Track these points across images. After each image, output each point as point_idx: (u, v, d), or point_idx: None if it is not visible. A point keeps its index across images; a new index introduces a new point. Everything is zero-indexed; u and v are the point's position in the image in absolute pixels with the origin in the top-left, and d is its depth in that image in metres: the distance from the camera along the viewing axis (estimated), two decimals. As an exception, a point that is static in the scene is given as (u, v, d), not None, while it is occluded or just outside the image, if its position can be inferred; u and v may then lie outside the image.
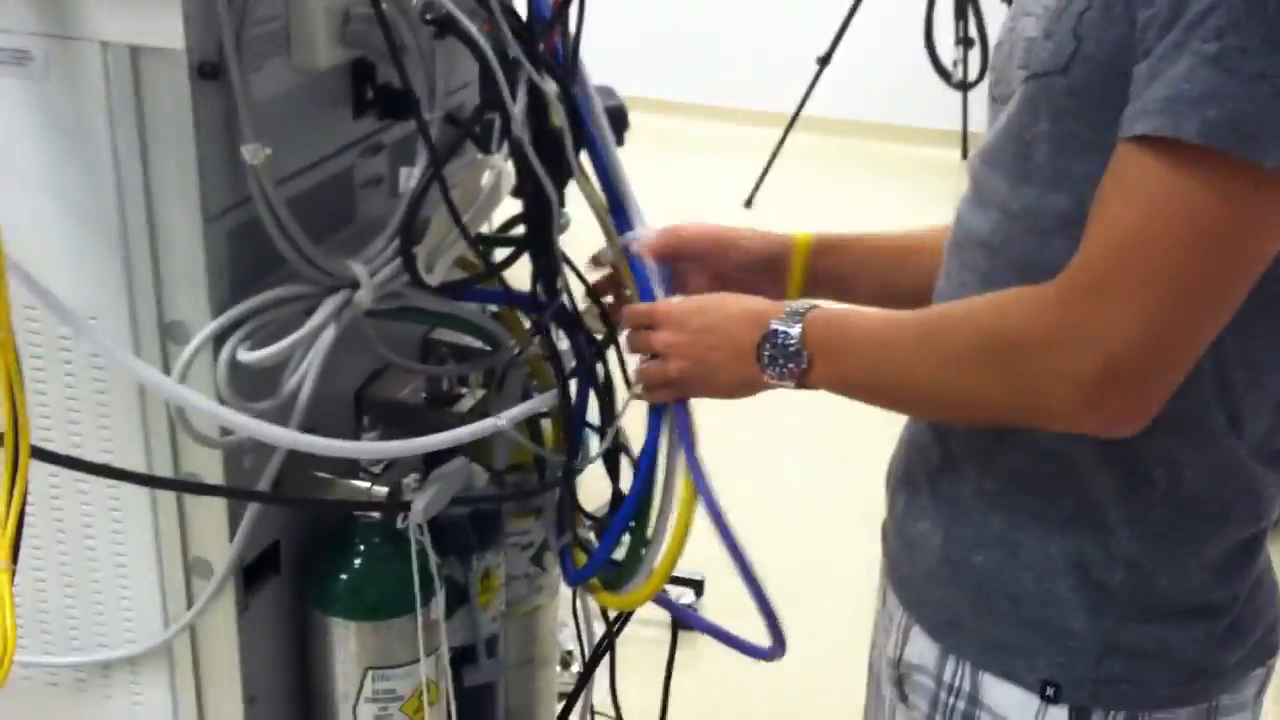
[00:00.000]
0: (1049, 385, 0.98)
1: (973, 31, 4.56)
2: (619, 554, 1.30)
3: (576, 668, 2.05)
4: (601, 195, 1.29)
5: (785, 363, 1.10)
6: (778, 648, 1.26)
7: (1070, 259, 0.98)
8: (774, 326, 1.10)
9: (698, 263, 1.31)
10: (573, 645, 2.01)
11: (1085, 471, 1.07)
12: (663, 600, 1.37)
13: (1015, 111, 1.05)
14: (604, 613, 1.48)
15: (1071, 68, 0.98)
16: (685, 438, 1.22)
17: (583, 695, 1.56)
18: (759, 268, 1.32)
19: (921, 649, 1.18)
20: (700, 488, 1.21)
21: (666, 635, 2.85)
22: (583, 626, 1.58)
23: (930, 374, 1.05)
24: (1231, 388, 1.04)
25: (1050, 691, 1.10)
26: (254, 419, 1.03)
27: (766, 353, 1.11)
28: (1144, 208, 0.94)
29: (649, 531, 1.28)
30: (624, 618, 1.49)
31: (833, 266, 1.32)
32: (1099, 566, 1.09)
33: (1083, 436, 1.03)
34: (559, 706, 1.56)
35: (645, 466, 1.25)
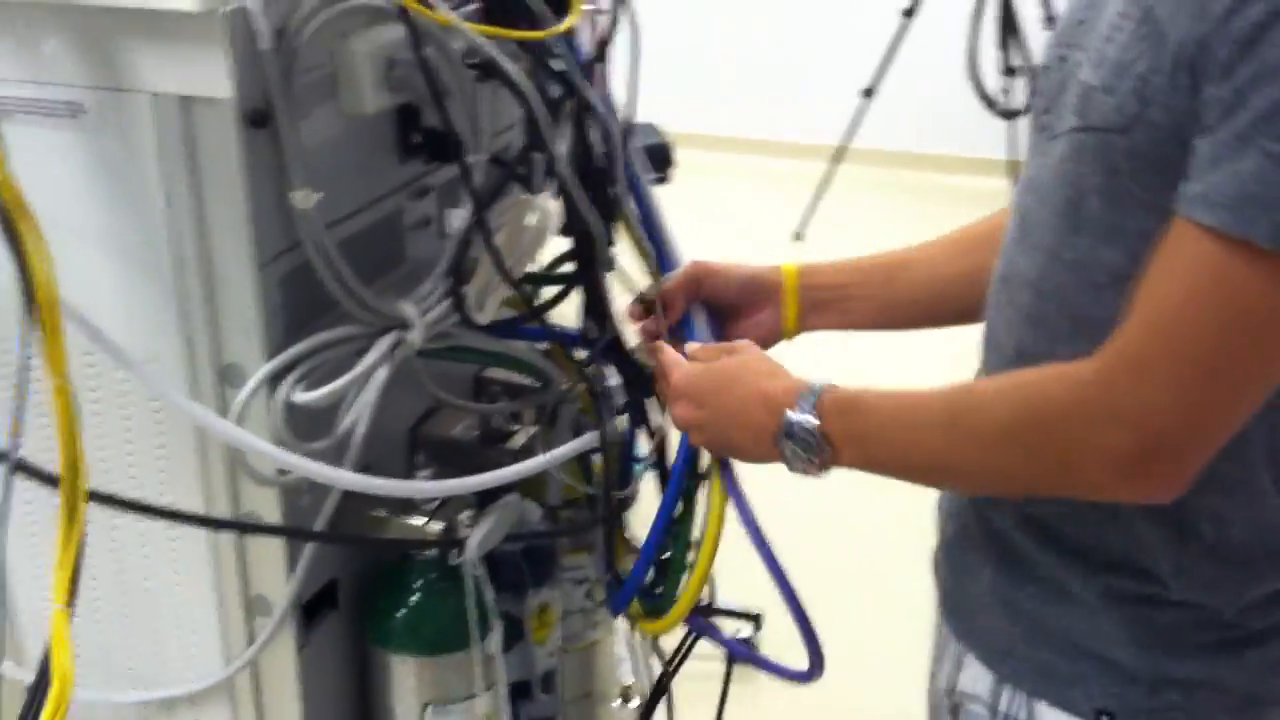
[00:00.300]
0: (1086, 460, 0.98)
1: (1017, 60, 4.54)
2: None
3: (637, 702, 2.05)
4: (641, 233, 1.31)
5: (809, 456, 1.09)
6: (816, 668, 1.24)
7: (1123, 313, 0.98)
8: (790, 417, 1.09)
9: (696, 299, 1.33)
10: (632, 679, 2.01)
11: (1132, 522, 1.07)
12: (698, 625, 1.36)
13: (1066, 158, 1.04)
14: (655, 646, 1.47)
15: (1133, 130, 0.97)
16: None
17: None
18: (747, 290, 1.32)
19: (976, 677, 1.18)
20: (733, 494, 1.20)
21: (734, 669, 2.84)
22: (640, 660, 1.58)
23: (964, 454, 1.05)
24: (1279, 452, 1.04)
25: None
26: (312, 460, 1.05)
27: (788, 448, 1.09)
28: (1193, 291, 0.94)
29: (686, 557, 1.27)
30: (681, 654, 1.49)
31: (823, 289, 1.33)
32: (1146, 607, 1.08)
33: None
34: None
35: (674, 487, 1.24)
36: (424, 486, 1.15)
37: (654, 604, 1.30)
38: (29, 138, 1.03)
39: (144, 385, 1.06)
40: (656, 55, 1.34)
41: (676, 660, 1.47)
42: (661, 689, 1.49)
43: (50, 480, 1.00)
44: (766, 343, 1.32)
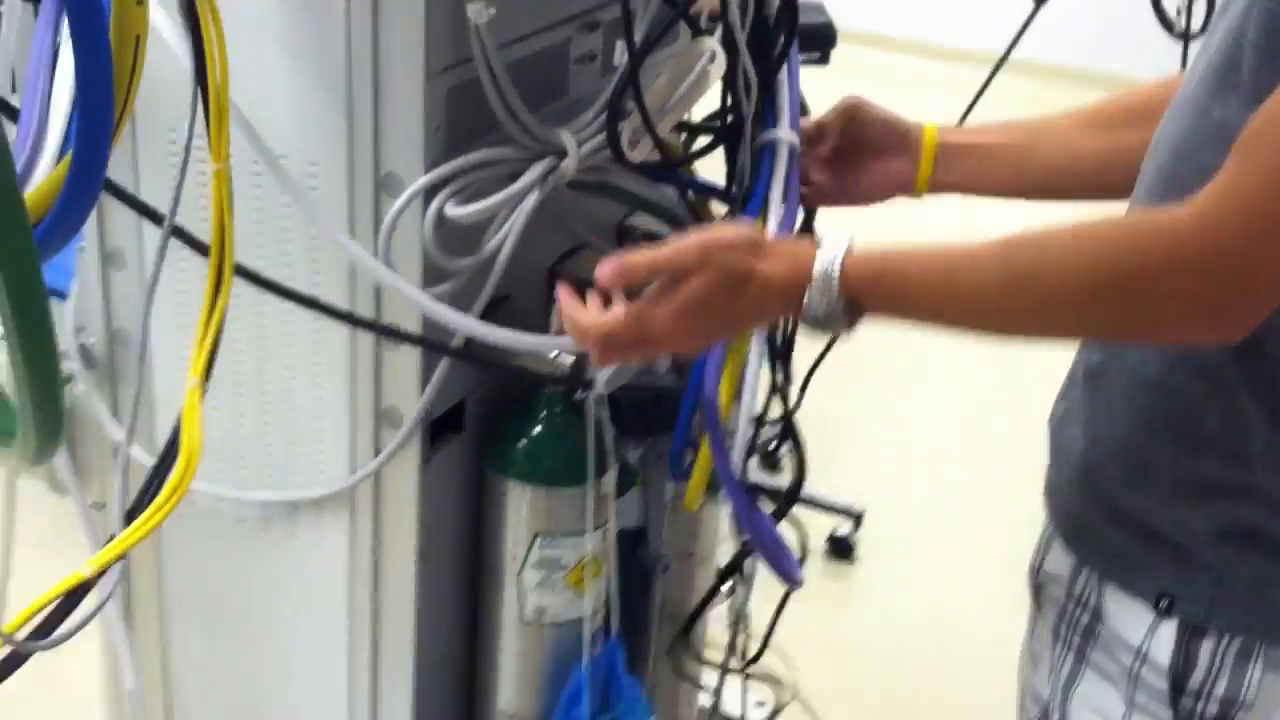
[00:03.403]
0: (1172, 308, 0.95)
1: (1200, -15, 4.36)
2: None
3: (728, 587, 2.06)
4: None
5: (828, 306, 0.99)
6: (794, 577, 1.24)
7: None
8: (816, 267, 0.99)
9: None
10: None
11: (1234, 393, 1.05)
12: (731, 490, 1.27)
13: (1237, 14, 1.02)
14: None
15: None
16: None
17: (736, 604, 1.57)
18: (887, 131, 1.30)
19: (1058, 559, 1.19)
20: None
21: (829, 566, 2.85)
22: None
23: (1029, 308, 1.00)
24: None
25: (1164, 604, 1.09)
26: (442, 305, 1.06)
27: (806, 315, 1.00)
28: None
29: None
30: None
31: (959, 149, 1.30)
32: (1230, 497, 1.07)
33: (1237, 360, 1.02)
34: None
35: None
36: (543, 340, 1.14)
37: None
38: (218, -71, 1.04)
39: (304, 212, 1.08)
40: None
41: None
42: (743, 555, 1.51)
43: (201, 248, 1.03)
44: (891, 194, 1.31)
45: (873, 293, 1.00)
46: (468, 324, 1.10)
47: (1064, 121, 1.30)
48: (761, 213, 1.21)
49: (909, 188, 1.31)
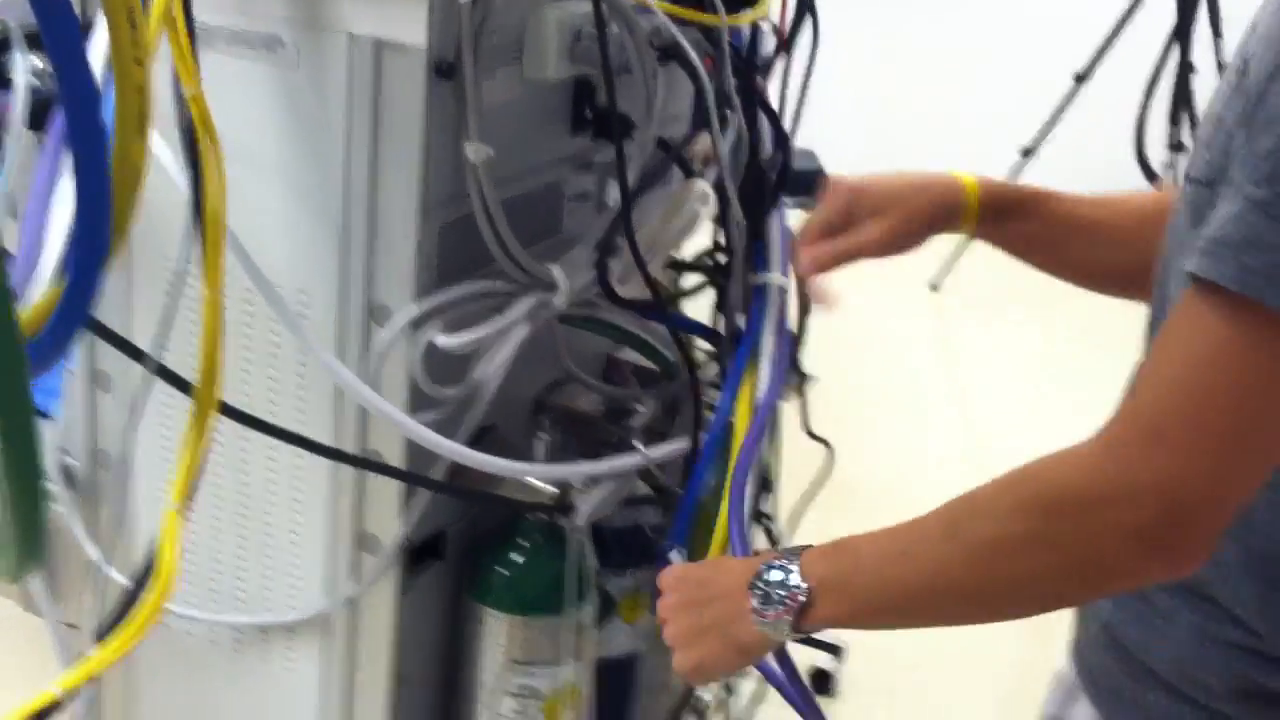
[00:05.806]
0: (1108, 542, 0.94)
1: (1185, 137, 4.45)
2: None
3: (713, 720, 2.04)
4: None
5: (781, 596, 1.00)
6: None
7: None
8: (766, 563, 1.02)
9: (879, 216, 1.29)
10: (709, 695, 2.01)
11: (1231, 578, 1.05)
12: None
13: (1175, 211, 1.04)
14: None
15: (1217, 184, 0.95)
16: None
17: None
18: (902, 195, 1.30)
19: (1084, 714, 1.18)
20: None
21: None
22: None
23: (965, 567, 0.98)
24: None
25: None
26: (430, 432, 1.07)
27: (759, 590, 1.01)
28: (1190, 354, 0.91)
29: None
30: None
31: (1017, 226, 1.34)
32: (1255, 670, 1.06)
33: (1231, 545, 1.01)
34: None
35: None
36: (530, 468, 1.16)
37: None
38: (225, 66, 1.07)
39: (295, 337, 1.10)
40: (816, 91, 1.36)
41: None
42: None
43: (184, 387, 1.04)
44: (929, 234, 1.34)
45: (826, 564, 1.01)
46: (453, 449, 1.11)
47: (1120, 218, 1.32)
48: (752, 354, 1.23)
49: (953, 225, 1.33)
